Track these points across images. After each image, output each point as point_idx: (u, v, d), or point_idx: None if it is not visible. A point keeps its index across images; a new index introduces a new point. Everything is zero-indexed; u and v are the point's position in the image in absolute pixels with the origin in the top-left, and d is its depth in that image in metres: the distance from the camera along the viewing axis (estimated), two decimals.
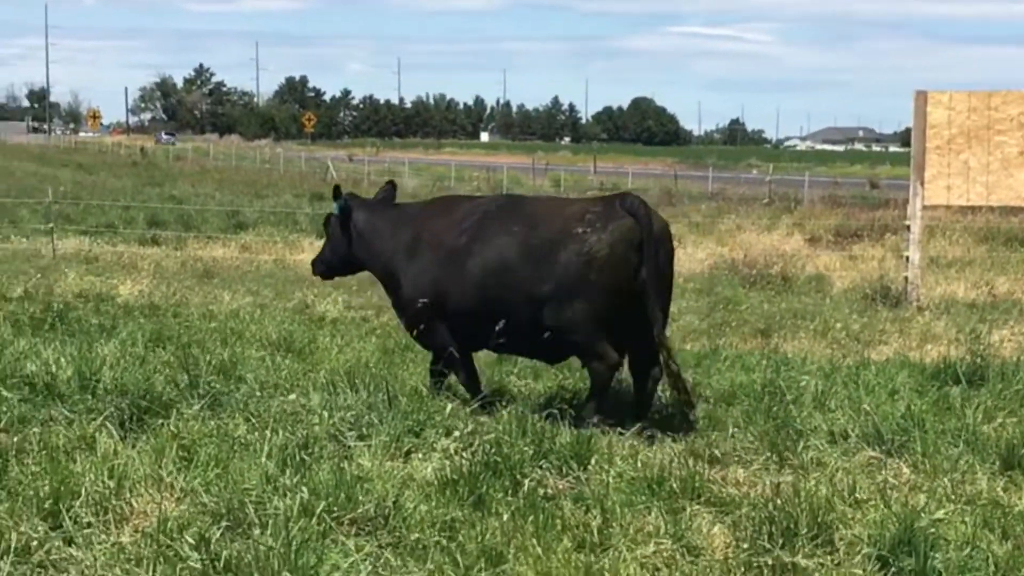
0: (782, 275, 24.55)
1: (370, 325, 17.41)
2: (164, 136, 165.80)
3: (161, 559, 7.39)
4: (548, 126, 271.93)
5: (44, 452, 9.32)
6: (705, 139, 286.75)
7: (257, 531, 7.74)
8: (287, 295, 20.75)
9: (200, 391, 11.17)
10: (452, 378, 12.20)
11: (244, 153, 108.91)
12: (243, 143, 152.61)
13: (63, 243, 30.03)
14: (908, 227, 22.77)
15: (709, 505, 8.92)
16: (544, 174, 78.73)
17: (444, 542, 7.87)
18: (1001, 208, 32.50)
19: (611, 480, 9.29)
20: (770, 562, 7.65)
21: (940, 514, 8.57)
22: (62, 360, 12.20)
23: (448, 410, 10.63)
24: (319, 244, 15.01)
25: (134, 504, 8.44)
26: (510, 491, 8.96)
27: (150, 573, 7.29)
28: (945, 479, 9.66)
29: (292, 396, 11.30)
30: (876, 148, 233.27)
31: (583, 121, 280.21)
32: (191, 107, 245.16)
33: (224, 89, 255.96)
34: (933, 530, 8.14)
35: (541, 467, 9.56)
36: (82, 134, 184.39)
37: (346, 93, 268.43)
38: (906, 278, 22.49)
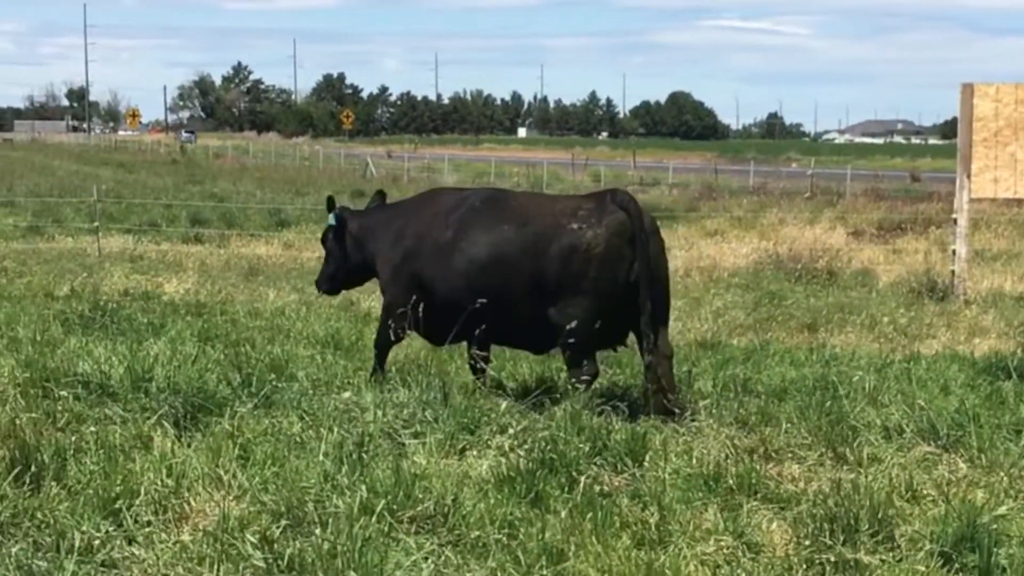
0: (827, 269, 24.44)
1: None
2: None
3: (224, 558, 7.40)
4: (585, 121, 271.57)
5: (101, 451, 9.33)
6: (743, 133, 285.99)
7: (318, 530, 7.74)
8: None
9: (252, 389, 11.18)
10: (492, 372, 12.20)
11: (283, 151, 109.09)
12: (281, 140, 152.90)
13: (108, 241, 30.12)
14: (955, 220, 22.63)
15: (766, 501, 8.87)
16: (584, 169, 78.62)
17: (504, 540, 7.87)
18: None
19: (667, 477, 9.26)
20: (832, 559, 7.61)
21: (1002, 510, 8.50)
22: (113, 359, 12.23)
23: (503, 407, 10.60)
24: None
25: (192, 503, 8.46)
26: (566, 488, 8.94)
27: (214, 572, 7.30)
28: (1002, 474, 9.61)
29: (346, 394, 11.31)
30: (915, 141, 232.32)
31: (620, 116, 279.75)
32: (229, 105, 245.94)
33: (262, 87, 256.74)
34: (996, 526, 8.10)
35: (596, 464, 9.54)
36: (121, 133, 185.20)
37: (383, 90, 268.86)
38: (953, 272, 22.38)
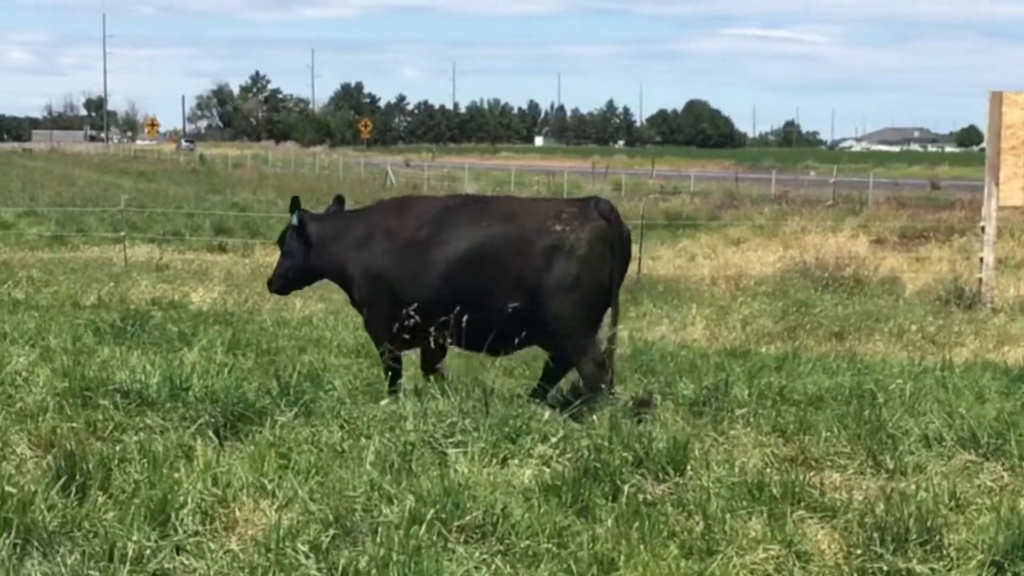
0: (854, 277, 24.42)
1: None
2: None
3: (278, 567, 7.39)
4: (602, 130, 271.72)
5: (144, 460, 9.33)
6: (759, 141, 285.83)
7: (368, 539, 7.73)
8: None
9: (291, 398, 11.17)
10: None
11: (302, 160, 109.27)
12: (299, 150, 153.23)
13: (132, 251, 30.21)
14: (982, 228, 22.61)
15: (811, 510, 8.82)
16: (604, 178, 78.56)
17: (554, 549, 7.85)
18: None
19: (710, 486, 9.24)
20: (884, 568, 7.60)
21: None
22: (148, 368, 12.23)
23: (546, 416, 10.58)
24: None
25: (238, 512, 8.46)
26: (610, 497, 8.93)
27: None
28: None
29: (384, 402, 11.30)
30: (932, 149, 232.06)
31: (637, 124, 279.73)
32: (247, 114, 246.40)
33: (280, 96, 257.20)
34: None
35: (639, 473, 9.52)
36: (139, 142, 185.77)
37: (401, 99, 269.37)
38: (980, 279, 22.33)
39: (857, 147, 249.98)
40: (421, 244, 11.88)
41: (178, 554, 7.70)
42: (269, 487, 8.82)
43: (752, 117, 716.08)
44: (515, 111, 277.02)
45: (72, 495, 8.53)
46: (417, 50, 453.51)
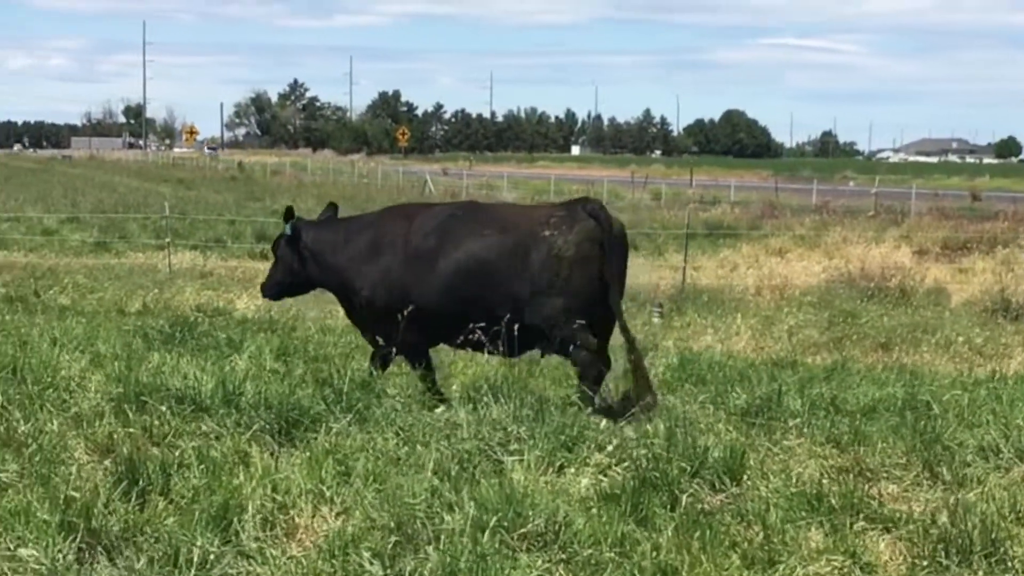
0: (900, 288, 24.34)
1: None
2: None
3: (343, 574, 7.40)
4: (639, 139, 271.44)
5: (202, 466, 9.35)
6: (796, 151, 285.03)
7: (430, 546, 7.73)
8: None
9: (344, 405, 11.17)
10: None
11: (340, 168, 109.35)
12: (337, 157, 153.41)
13: (176, 257, 30.32)
14: None
15: (870, 521, 8.78)
16: (644, 187, 78.42)
17: (616, 558, 7.82)
18: None
19: (769, 495, 9.20)
20: None
21: None
22: (200, 374, 12.25)
23: (602, 425, 10.56)
24: None
25: (297, 519, 8.47)
26: (668, 506, 8.90)
27: None
28: None
29: (439, 410, 11.30)
30: (970, 159, 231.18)
31: (674, 134, 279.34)
32: (285, 122, 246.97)
33: (318, 104, 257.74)
34: None
35: (695, 483, 9.48)
36: (177, 149, 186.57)
37: (438, 107, 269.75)
38: None
39: (895, 158, 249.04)
40: (425, 253, 12.15)
41: (242, 560, 7.71)
42: (327, 493, 8.83)
43: (789, 127, 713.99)
44: (552, 120, 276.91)
45: (133, 500, 8.56)
46: (454, 59, 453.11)
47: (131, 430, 10.32)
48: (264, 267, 28.57)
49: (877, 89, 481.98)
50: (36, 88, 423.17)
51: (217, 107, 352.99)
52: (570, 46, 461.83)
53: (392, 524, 8.14)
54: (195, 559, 7.51)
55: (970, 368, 16.11)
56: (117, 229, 37.69)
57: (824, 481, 9.60)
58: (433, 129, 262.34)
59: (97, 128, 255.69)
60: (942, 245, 35.91)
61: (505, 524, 8.09)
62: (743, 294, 25.32)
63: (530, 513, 8.26)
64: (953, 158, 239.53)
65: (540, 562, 7.73)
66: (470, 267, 11.95)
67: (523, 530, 8.09)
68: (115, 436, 10.14)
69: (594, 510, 8.63)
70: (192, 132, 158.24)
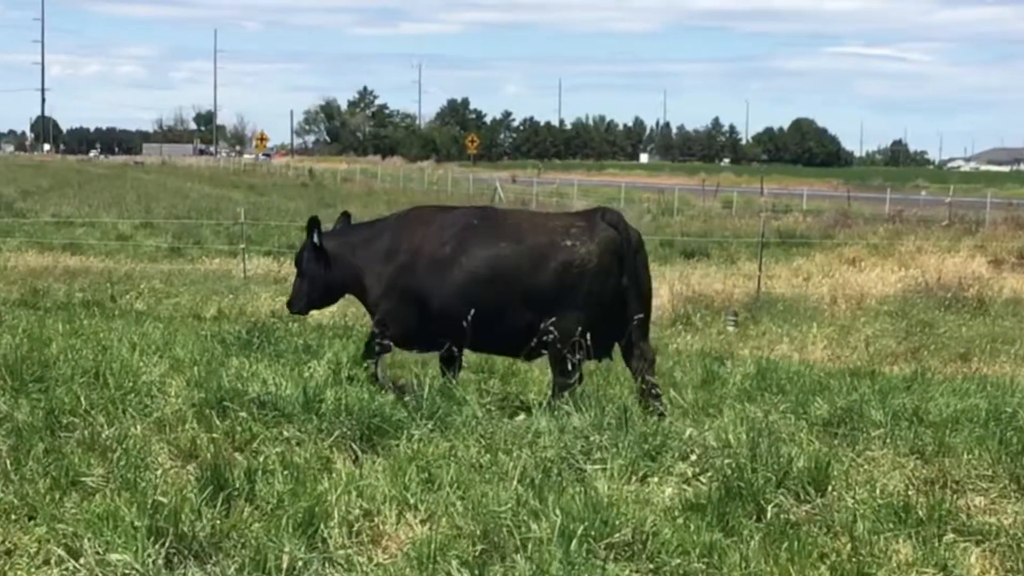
0: (977, 298, 24.12)
1: None
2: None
3: None
4: (708, 147, 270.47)
5: (286, 472, 9.36)
6: (866, 160, 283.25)
7: (517, 555, 7.70)
8: None
9: (424, 412, 11.17)
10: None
11: (410, 175, 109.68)
12: (406, 164, 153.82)
13: (250, 263, 30.47)
14: None
15: (959, 533, 8.69)
16: (715, 195, 78.17)
17: (705, 568, 7.77)
18: None
19: (855, 507, 9.11)
20: None
21: None
22: (280, 380, 12.28)
23: (687, 434, 10.49)
24: None
25: (382, 526, 8.46)
26: (754, 517, 8.84)
27: None
28: None
29: (520, 418, 11.28)
30: None
31: (743, 142, 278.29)
32: (354, 129, 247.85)
33: (387, 111, 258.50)
34: None
35: (780, 493, 9.40)
36: (246, 156, 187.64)
37: (507, 115, 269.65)
38: None
39: (966, 167, 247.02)
40: (444, 259, 12.24)
41: (329, 567, 7.71)
42: (412, 501, 8.82)
43: (859, 136, 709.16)
44: (620, 128, 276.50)
45: (219, 505, 8.57)
46: (522, 67, 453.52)
47: (214, 435, 10.36)
48: None
49: (948, 98, 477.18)
50: (108, 95, 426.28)
51: (286, 114, 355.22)
52: (639, 54, 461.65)
53: (479, 532, 8.13)
54: (284, 566, 7.51)
55: None
56: (191, 235, 37.98)
57: (910, 492, 9.52)
58: (501, 136, 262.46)
59: (168, 135, 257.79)
60: (1018, 255, 35.57)
61: (592, 533, 8.05)
62: (818, 303, 25.17)
63: (617, 522, 8.22)
64: None
65: (628, 572, 7.70)
66: (487, 274, 12.04)
67: (610, 539, 8.06)
68: (198, 441, 10.19)
69: (680, 520, 8.58)
70: (263, 139, 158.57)
